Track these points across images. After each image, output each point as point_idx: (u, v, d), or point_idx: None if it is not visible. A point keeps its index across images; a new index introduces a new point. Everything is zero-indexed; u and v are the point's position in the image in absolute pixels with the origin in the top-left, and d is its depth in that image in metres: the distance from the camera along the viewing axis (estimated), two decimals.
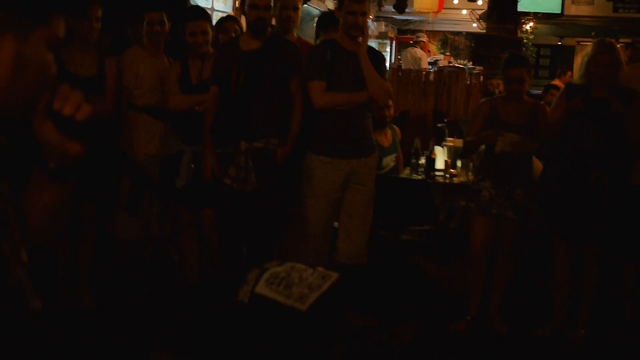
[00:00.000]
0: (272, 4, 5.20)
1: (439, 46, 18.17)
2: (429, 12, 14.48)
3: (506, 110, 5.42)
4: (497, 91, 9.15)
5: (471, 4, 14.75)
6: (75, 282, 5.39)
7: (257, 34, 5.14)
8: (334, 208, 5.27)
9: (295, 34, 5.75)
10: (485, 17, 13.11)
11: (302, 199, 5.28)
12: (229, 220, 5.29)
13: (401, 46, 16.87)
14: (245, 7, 5.30)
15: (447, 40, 18.20)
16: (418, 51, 14.53)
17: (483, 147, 5.56)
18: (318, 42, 5.91)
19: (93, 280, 5.54)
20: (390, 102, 6.75)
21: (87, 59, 5.30)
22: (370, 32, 14.62)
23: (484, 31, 12.82)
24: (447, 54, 16.87)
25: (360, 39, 5.11)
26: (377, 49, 13.31)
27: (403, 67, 13.17)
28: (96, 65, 5.32)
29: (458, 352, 5.20)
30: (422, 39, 14.95)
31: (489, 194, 5.40)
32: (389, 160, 6.71)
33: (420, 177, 6.61)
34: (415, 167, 6.71)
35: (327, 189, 5.18)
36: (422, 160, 6.77)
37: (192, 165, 5.45)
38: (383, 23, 15.70)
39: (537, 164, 5.60)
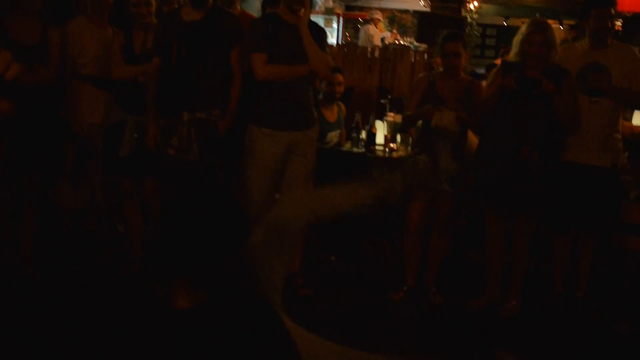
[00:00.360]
0: None
1: (386, 24, 18.27)
2: None
3: (443, 86, 5.56)
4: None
5: None
6: (18, 252, 5.44)
7: (198, 4, 5.20)
8: (275, 179, 5.38)
9: (239, 7, 5.83)
10: None
11: (244, 170, 5.38)
12: (171, 189, 5.36)
13: (348, 22, 16.92)
14: None
15: (395, 18, 18.27)
16: (371, 28, 14.63)
17: (420, 121, 5.70)
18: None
19: (37, 251, 5.59)
20: (341, 79, 6.88)
21: (30, 27, 5.31)
22: (317, 7, 14.74)
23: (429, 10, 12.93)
24: (394, 31, 16.96)
25: (302, 12, 5.21)
26: (323, 24, 13.42)
27: (360, 44, 13.24)
28: (40, 34, 5.34)
29: (394, 319, 5.34)
30: (375, 16, 15.09)
31: (425, 167, 5.54)
32: (333, 136, 6.83)
33: (360, 151, 6.73)
34: (355, 141, 6.81)
35: (269, 160, 5.29)
36: (363, 135, 6.89)
37: (135, 135, 5.48)
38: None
39: (473, 139, 5.74)
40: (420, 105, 5.56)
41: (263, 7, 6.34)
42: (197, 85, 5.18)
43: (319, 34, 5.37)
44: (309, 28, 5.23)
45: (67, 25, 5.70)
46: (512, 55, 5.51)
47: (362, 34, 14.77)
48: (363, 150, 6.73)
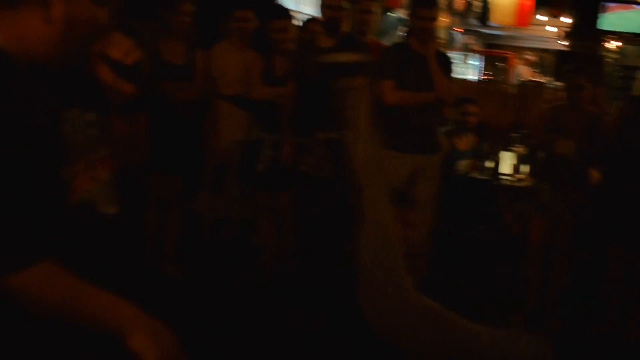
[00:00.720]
0: (343, 5, 5.65)
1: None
2: (515, 28, 14.69)
3: (567, 117, 5.71)
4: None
5: (558, 21, 14.89)
6: (162, 253, 5.92)
7: (331, 32, 5.60)
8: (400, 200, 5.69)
9: (372, 37, 6.20)
10: (569, 35, 13.26)
11: None
12: (305, 204, 5.78)
13: (487, 59, 17.04)
14: (322, 7, 5.77)
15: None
16: (521, 68, 14.81)
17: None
18: None
19: (178, 254, 6.05)
20: (473, 109, 7.13)
21: (179, 49, 5.80)
22: (455, 43, 14.97)
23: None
24: (533, 70, 17.02)
25: (431, 43, 5.53)
26: (462, 60, 13.68)
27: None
28: (186, 55, 5.83)
29: None
30: (526, 56, 15.35)
31: (548, 195, 5.73)
32: (463, 165, 7.06)
33: (486, 178, 6.93)
34: (481, 169, 7.03)
35: (395, 181, 5.59)
36: (489, 164, 7.10)
37: (271, 152, 5.90)
38: (472, 36, 15.96)
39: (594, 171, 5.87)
40: (544, 134, 5.76)
41: None
42: (330, 107, 5.56)
43: (446, 63, 5.67)
44: (437, 58, 5.53)
45: (212, 48, 6.16)
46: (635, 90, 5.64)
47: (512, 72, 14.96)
48: (489, 178, 6.93)
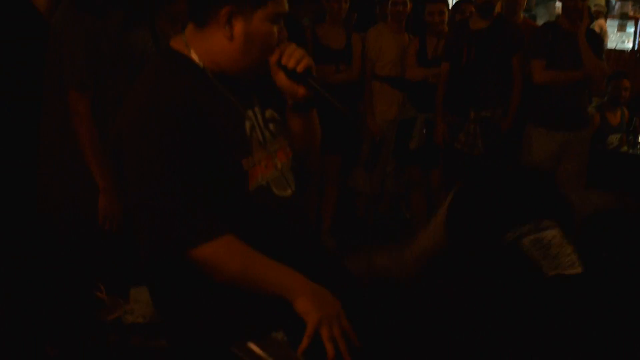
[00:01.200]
0: None
1: None
2: None
3: None
4: None
5: None
6: (319, 226, 6.30)
7: (485, 14, 5.80)
8: None
9: (522, 16, 6.36)
10: None
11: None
12: (458, 179, 6.04)
13: None
14: None
15: None
16: None
17: None
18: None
19: (334, 227, 6.42)
20: (627, 84, 7.17)
21: (337, 34, 6.10)
22: (614, 11, 14.68)
23: None
24: None
25: (581, 21, 5.65)
26: (615, 29, 13.36)
27: None
28: (344, 39, 6.12)
29: None
30: None
31: None
32: (614, 139, 7.12)
33: (637, 153, 6.96)
34: (632, 144, 7.05)
35: (543, 158, 5.76)
36: None
37: (424, 130, 6.17)
38: (630, 3, 15.53)
39: None
40: None
41: None
42: (483, 86, 5.78)
43: (596, 41, 5.77)
44: (587, 36, 5.65)
45: (369, 31, 6.44)
46: None
47: None
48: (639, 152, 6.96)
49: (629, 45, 14.24)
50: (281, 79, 2.30)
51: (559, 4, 6.38)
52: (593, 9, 11.23)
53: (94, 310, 3.35)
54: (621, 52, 11.73)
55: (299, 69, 2.27)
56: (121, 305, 3.38)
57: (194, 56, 2.22)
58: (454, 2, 7.53)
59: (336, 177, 6.27)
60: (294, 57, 2.27)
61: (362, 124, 6.26)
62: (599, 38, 5.97)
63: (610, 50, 11.96)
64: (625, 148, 7.10)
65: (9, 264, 3.68)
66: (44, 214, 3.70)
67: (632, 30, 15.38)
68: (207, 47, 2.22)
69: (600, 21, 12.35)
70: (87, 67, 3.52)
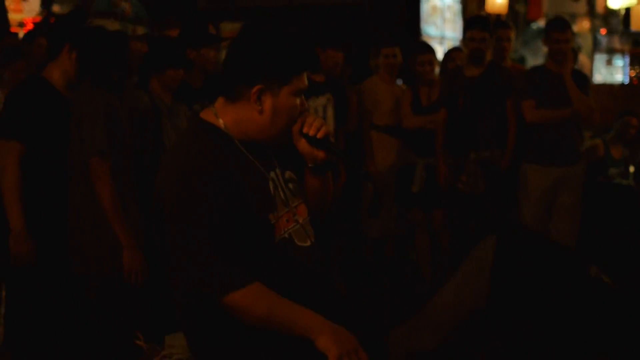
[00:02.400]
0: (486, 37, 6.15)
1: None
2: None
3: None
4: None
5: None
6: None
7: (477, 62, 6.11)
8: (546, 210, 6.12)
9: (510, 61, 6.69)
10: None
11: (518, 202, 6.18)
12: (460, 219, 6.32)
13: (635, 59, 16.83)
14: (465, 40, 6.28)
15: None
16: None
17: None
18: None
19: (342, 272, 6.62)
20: (635, 122, 7.43)
21: None
22: (601, 46, 15.06)
23: None
24: None
25: (565, 64, 5.94)
26: (604, 63, 13.71)
27: None
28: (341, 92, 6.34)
29: None
30: None
31: None
32: (614, 172, 7.40)
33: (627, 183, 7.22)
34: (624, 175, 7.32)
35: (539, 193, 6.03)
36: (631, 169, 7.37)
37: (424, 174, 6.43)
38: (616, 37, 15.89)
39: None
40: None
41: None
42: (481, 129, 6.08)
43: (582, 80, 6.06)
44: (572, 76, 5.93)
45: (364, 83, 6.73)
46: None
47: None
48: (631, 182, 7.21)
49: (618, 77, 14.55)
50: (303, 145, 2.59)
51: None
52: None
53: (134, 358, 3.58)
54: (611, 86, 12.02)
55: (319, 135, 2.57)
56: (158, 351, 3.61)
57: (223, 126, 2.50)
58: (446, 51, 7.84)
59: (341, 225, 6.50)
60: (315, 126, 2.56)
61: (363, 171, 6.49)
62: (585, 76, 6.29)
63: (600, 85, 12.26)
64: (618, 180, 7.35)
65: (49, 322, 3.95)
66: (77, 273, 3.97)
67: (621, 63, 15.74)
68: (237, 118, 2.51)
69: (582, 57, 12.67)
70: (107, 136, 3.80)
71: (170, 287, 2.52)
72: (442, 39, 12.31)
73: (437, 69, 6.75)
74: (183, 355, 3.62)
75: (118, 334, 3.70)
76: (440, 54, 7.86)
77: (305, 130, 2.56)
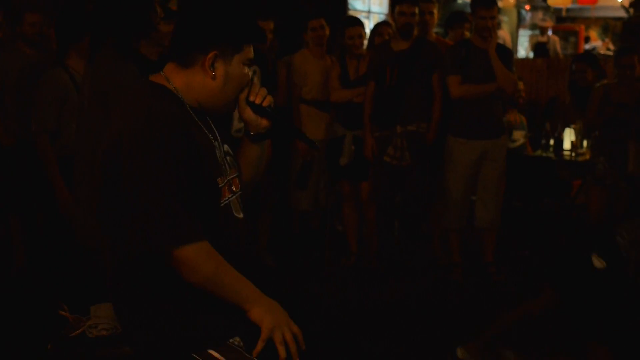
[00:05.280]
0: (417, 11, 6.24)
1: (600, 32, 18.25)
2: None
3: (617, 93, 6.26)
4: None
5: None
6: (256, 244, 6.54)
7: (405, 36, 6.21)
8: (471, 182, 6.29)
9: (434, 34, 6.81)
10: (634, 4, 13.17)
11: (444, 174, 6.33)
12: (386, 191, 6.43)
13: (558, 34, 17.13)
14: (395, 14, 6.36)
15: (608, 27, 18.22)
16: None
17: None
18: (448, 38, 7.14)
19: (272, 245, 6.74)
20: (521, 86, 7.69)
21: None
22: (525, 22, 15.32)
23: None
24: (607, 40, 17.01)
25: (490, 39, 6.08)
26: (527, 39, 13.95)
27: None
28: (270, 65, 6.37)
29: None
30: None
31: (603, 167, 6.27)
32: (519, 135, 7.68)
33: (549, 155, 7.47)
34: (545, 147, 7.55)
35: (464, 165, 6.20)
36: (552, 142, 7.62)
37: (352, 147, 6.50)
38: (540, 12, 16.12)
39: None
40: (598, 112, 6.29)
41: (446, 32, 7.38)
42: (407, 103, 6.18)
43: (506, 55, 6.22)
44: (497, 51, 6.07)
45: (294, 57, 6.76)
46: None
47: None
48: (552, 155, 7.45)
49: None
50: (248, 113, 2.72)
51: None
52: None
53: (59, 328, 3.63)
54: (534, 61, 12.26)
55: (265, 104, 2.71)
56: (84, 322, 3.65)
57: (174, 90, 2.56)
58: (373, 25, 7.91)
59: (271, 197, 6.58)
60: (260, 94, 2.70)
61: (293, 146, 6.59)
62: (509, 51, 6.43)
63: (523, 59, 12.50)
64: (539, 152, 7.58)
65: None
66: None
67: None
68: (188, 83, 2.57)
69: (501, 32, 12.90)
70: None
71: (100, 254, 2.52)
72: (369, 13, 12.45)
73: (365, 43, 6.80)
74: (109, 325, 3.68)
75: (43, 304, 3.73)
76: (367, 29, 7.92)
77: (251, 98, 2.70)
